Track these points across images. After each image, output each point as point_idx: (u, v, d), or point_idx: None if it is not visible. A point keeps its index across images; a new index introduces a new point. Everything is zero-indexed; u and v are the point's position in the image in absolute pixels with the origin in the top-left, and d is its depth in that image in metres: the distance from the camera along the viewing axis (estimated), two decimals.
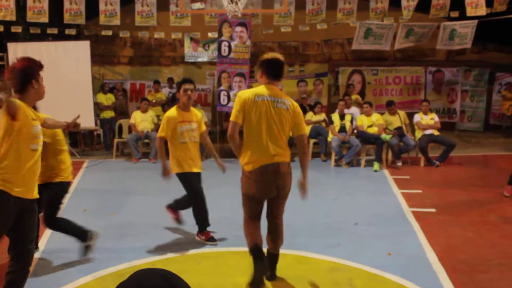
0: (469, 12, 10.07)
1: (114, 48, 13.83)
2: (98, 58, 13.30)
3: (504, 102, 13.28)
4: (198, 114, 5.20)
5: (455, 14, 10.59)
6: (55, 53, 10.38)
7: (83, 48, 10.53)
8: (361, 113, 9.86)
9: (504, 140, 12.48)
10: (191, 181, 5.01)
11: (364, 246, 4.94)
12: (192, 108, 5.13)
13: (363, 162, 9.21)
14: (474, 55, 14.17)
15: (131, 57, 14.04)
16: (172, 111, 4.99)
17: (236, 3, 8.37)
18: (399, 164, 9.13)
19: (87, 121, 10.48)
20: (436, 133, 9.50)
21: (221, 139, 11.10)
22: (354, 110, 10.42)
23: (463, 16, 10.43)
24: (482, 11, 9.98)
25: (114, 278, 4.12)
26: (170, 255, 4.70)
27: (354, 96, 11.79)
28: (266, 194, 3.89)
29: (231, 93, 9.87)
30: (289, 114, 3.89)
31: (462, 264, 4.44)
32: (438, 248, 4.81)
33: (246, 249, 4.82)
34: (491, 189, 7.35)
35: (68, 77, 10.26)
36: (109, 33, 11.39)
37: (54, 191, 4.40)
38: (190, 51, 12.23)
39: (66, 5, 10.53)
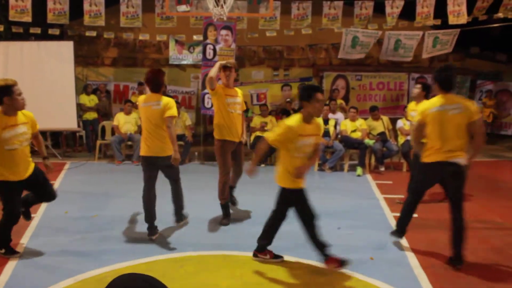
0: (451, 20, 10.24)
1: (98, 49, 13.72)
2: (82, 58, 13.18)
3: (484, 109, 13.50)
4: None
5: (437, 22, 10.75)
6: (38, 53, 10.24)
7: (66, 48, 10.40)
8: (347, 118, 9.92)
9: (485, 146, 12.67)
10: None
11: (346, 250, 4.96)
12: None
13: (346, 166, 9.26)
14: (456, 62, 14.38)
15: (115, 58, 13.94)
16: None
17: (222, 6, 8.38)
18: (382, 169, 9.21)
19: (70, 123, 10.38)
20: None
21: (204, 142, 11.07)
22: (339, 115, 10.46)
23: (445, 24, 10.60)
24: (464, 19, 10.16)
25: (96, 282, 4.08)
26: (152, 258, 4.67)
27: (339, 101, 11.87)
28: None
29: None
30: None
31: (443, 268, 4.49)
32: (419, 253, 4.86)
33: (228, 252, 4.83)
34: (472, 195, 7.45)
35: (50, 77, 10.14)
36: (94, 33, 11.29)
37: None
38: (175, 54, 12.19)
39: (50, 4, 10.40)
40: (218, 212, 6.17)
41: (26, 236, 5.29)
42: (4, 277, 4.19)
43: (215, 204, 6.39)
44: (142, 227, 5.55)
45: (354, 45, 10.83)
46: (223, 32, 9.83)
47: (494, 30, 11.89)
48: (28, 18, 10.34)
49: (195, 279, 4.20)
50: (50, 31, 10.83)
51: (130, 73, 13.80)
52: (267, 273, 4.34)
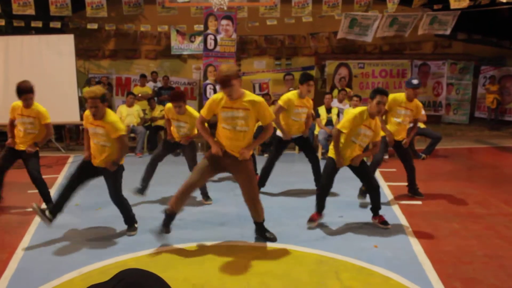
0: (453, 5, 10.13)
1: (99, 41, 13.69)
2: (83, 52, 13.16)
3: (488, 95, 13.42)
4: None
5: (438, 7, 10.67)
6: (38, 47, 10.22)
7: (67, 41, 10.37)
8: (350, 106, 9.88)
9: (489, 133, 12.62)
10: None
11: (350, 239, 4.96)
12: None
13: None
14: (459, 48, 14.30)
15: (116, 51, 13.91)
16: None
17: None
18: (386, 157, 9.15)
19: (72, 116, 10.37)
20: (422, 126, 9.55)
21: None
22: (346, 106, 10.39)
23: (447, 9, 10.51)
24: (465, 3, 10.04)
25: (100, 274, 4.09)
26: (155, 249, 4.67)
27: (347, 90, 11.83)
28: None
29: (218, 87, 9.84)
30: None
31: (447, 255, 4.48)
32: (423, 240, 4.84)
33: (232, 242, 4.83)
34: (476, 182, 7.43)
35: (52, 71, 10.11)
36: (95, 26, 11.26)
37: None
38: (176, 44, 12.16)
39: None
40: (221, 202, 6.19)
41: (31, 230, 5.31)
42: (10, 271, 4.20)
43: (217, 195, 6.41)
44: (145, 219, 5.56)
45: (352, 26, 10.77)
46: (224, 22, 9.80)
47: (502, 13, 11.76)
48: (31, 11, 10.30)
49: (199, 269, 4.21)
50: (51, 24, 10.81)
51: (132, 65, 13.79)
52: (271, 262, 4.34)
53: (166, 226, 4.81)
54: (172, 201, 4.76)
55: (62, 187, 5.14)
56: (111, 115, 4.94)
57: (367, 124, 5.13)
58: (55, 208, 5.07)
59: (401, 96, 6.30)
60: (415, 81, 6.16)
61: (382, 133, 5.23)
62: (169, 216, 4.80)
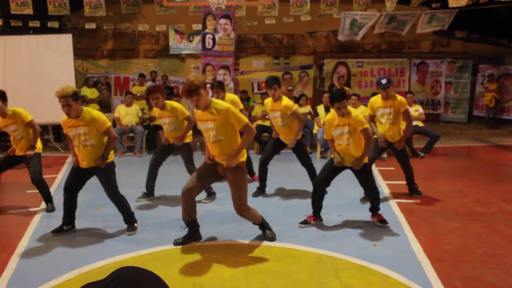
0: (451, 3, 10.14)
1: (97, 41, 13.68)
2: (82, 51, 13.14)
3: (486, 93, 13.43)
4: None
5: (437, 5, 10.67)
6: (37, 47, 10.21)
7: (65, 41, 10.36)
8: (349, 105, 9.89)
9: (488, 131, 12.63)
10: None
11: (349, 237, 4.96)
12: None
13: None
14: (457, 47, 14.31)
15: (115, 50, 13.90)
16: None
17: None
18: (384, 155, 9.17)
19: None
20: (420, 124, 9.56)
21: None
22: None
23: (445, 7, 10.52)
24: (464, 1, 10.05)
25: (99, 273, 4.09)
26: (154, 249, 4.67)
27: (346, 88, 11.82)
28: None
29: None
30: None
31: (446, 254, 4.48)
32: (423, 239, 4.84)
33: (231, 241, 4.83)
34: (475, 180, 7.43)
35: (50, 71, 10.10)
36: (93, 26, 11.24)
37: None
38: (175, 43, 12.15)
39: None
40: (220, 201, 6.18)
41: (30, 230, 5.31)
42: (9, 271, 4.20)
43: (216, 194, 6.40)
44: (143, 218, 5.56)
45: (353, 27, 10.79)
46: (222, 21, 9.79)
47: (501, 12, 11.79)
48: (29, 11, 10.29)
49: (198, 268, 4.20)
50: (49, 24, 10.79)
51: (130, 64, 13.77)
52: (271, 261, 4.34)
53: (193, 234, 4.83)
54: (182, 212, 4.75)
55: (64, 202, 5.13)
56: (91, 112, 4.92)
57: (341, 124, 5.25)
58: (67, 220, 5.17)
59: (377, 97, 6.43)
60: (383, 81, 6.22)
61: (366, 125, 5.19)
62: (189, 225, 4.79)
